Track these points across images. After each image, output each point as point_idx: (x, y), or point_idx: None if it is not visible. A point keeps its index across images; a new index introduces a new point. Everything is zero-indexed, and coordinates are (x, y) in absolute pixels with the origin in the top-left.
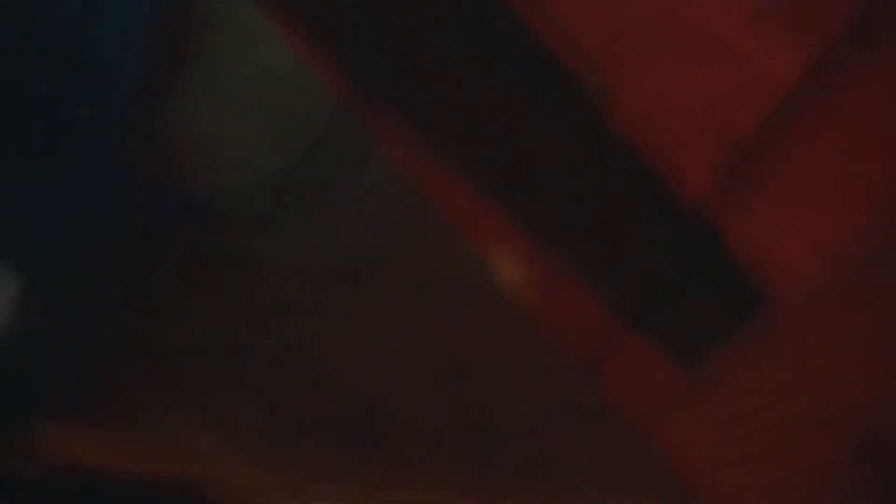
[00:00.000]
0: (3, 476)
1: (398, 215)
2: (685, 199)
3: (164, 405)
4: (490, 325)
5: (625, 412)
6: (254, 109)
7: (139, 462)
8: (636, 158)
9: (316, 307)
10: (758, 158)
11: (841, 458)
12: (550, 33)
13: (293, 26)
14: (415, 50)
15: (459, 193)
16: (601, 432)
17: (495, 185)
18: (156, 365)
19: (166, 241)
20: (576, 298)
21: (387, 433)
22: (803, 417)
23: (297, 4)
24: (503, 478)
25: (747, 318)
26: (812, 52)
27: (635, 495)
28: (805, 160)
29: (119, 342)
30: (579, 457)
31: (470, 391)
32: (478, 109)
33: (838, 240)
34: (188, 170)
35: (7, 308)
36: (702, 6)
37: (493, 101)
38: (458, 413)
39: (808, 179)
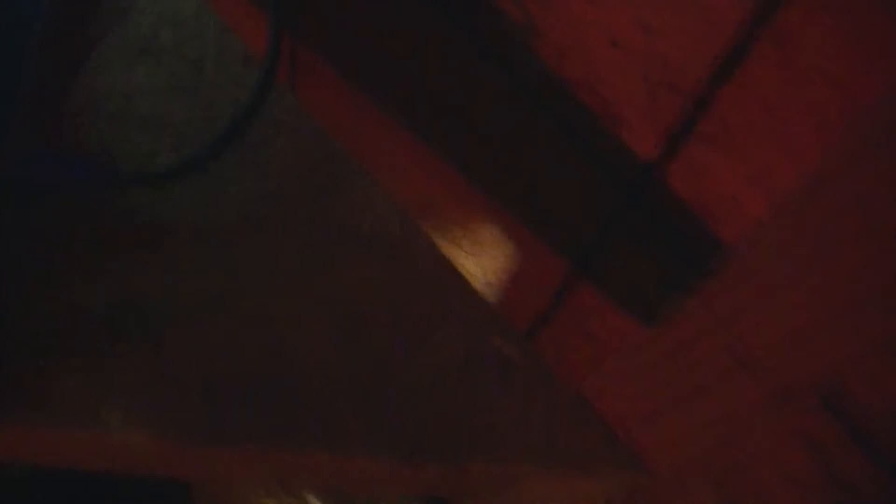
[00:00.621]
0: None
1: (303, 164)
2: (621, 138)
3: (56, 372)
4: (392, 275)
5: (555, 366)
6: (146, 56)
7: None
8: (567, 94)
9: (217, 262)
10: (699, 96)
11: (769, 406)
12: None
13: None
14: None
15: (380, 135)
16: (513, 390)
17: (419, 124)
18: (41, 331)
19: (50, 200)
20: (514, 247)
21: (292, 387)
22: (732, 368)
23: None
24: (407, 435)
25: (690, 265)
26: None
27: (542, 457)
28: (750, 98)
29: None
30: (488, 417)
31: (377, 344)
32: (399, 44)
33: (781, 175)
34: (76, 122)
35: None
36: None
37: (414, 34)
38: (365, 366)
39: (751, 117)
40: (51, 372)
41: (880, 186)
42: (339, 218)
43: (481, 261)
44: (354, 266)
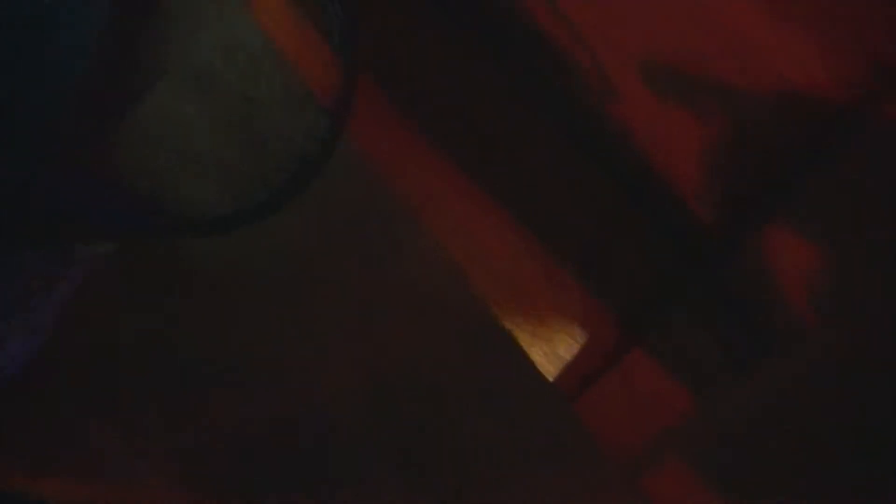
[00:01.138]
0: None
1: (362, 219)
2: (689, 206)
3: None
4: (449, 338)
5: (598, 428)
6: (201, 90)
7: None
8: (638, 160)
9: (259, 314)
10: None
11: None
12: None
13: (270, 1)
14: (395, 23)
15: (437, 183)
16: (561, 465)
17: (477, 171)
18: (76, 375)
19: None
20: (567, 305)
21: (331, 452)
22: None
23: None
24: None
25: (751, 343)
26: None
27: None
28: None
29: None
30: (533, 491)
31: (422, 410)
32: (462, 89)
33: None
34: (126, 159)
35: None
36: None
37: (478, 81)
38: (408, 433)
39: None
40: (85, 418)
41: None
42: (397, 279)
43: (535, 323)
44: (407, 329)
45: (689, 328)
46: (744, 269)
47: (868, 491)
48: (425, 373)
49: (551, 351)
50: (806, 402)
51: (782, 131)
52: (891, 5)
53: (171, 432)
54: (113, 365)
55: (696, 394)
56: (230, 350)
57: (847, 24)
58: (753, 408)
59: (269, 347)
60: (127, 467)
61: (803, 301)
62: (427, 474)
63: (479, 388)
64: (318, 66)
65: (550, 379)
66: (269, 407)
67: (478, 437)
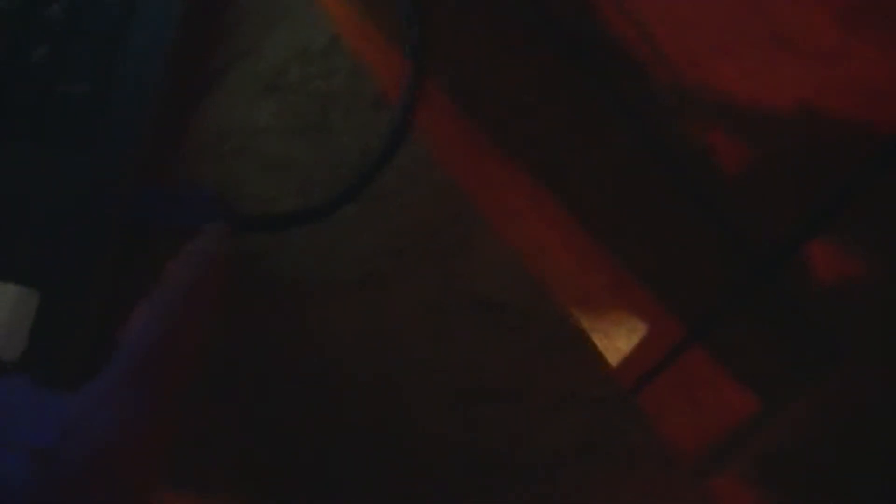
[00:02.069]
0: None
1: (429, 220)
2: (760, 214)
3: None
4: (518, 346)
5: (655, 425)
6: (272, 92)
7: None
8: (708, 162)
9: (332, 319)
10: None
11: None
12: (618, 21)
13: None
14: (469, 35)
15: (505, 188)
16: (636, 476)
17: (546, 176)
18: None
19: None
20: (630, 305)
21: (406, 453)
22: None
23: None
24: None
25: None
26: None
27: None
28: None
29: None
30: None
31: (497, 418)
32: (534, 103)
33: None
34: (198, 159)
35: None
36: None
37: (550, 95)
38: (476, 441)
39: None
40: None
41: None
42: (465, 282)
43: (595, 318)
44: (478, 334)
45: (754, 332)
46: (810, 277)
47: None
48: (502, 376)
49: (611, 344)
50: (871, 414)
51: (852, 144)
52: None
53: (243, 443)
54: None
55: (762, 398)
56: (299, 356)
57: None
58: (820, 416)
59: (341, 353)
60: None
61: (869, 308)
62: (509, 479)
63: (556, 391)
64: (385, 63)
65: (609, 372)
66: (348, 416)
67: (555, 450)
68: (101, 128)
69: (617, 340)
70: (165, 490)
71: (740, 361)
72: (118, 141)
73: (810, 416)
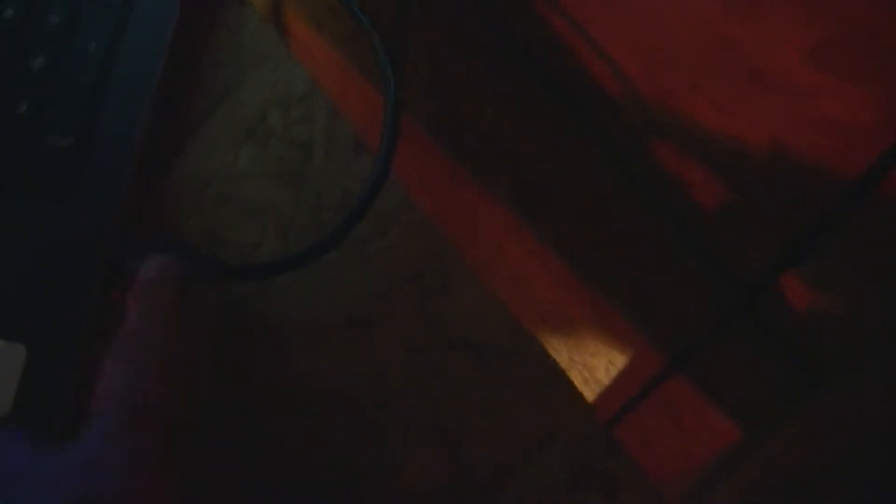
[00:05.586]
0: None
1: (410, 263)
2: (741, 245)
3: None
4: (501, 385)
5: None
6: (252, 138)
7: None
8: (686, 195)
9: (313, 364)
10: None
11: None
12: (592, 58)
13: (314, 46)
14: (446, 71)
15: (484, 221)
16: (615, 496)
17: (525, 210)
18: None
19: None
20: (611, 335)
21: (386, 497)
22: None
23: (321, 23)
24: None
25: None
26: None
27: None
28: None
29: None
30: None
31: (480, 459)
32: (511, 136)
33: None
34: (177, 207)
35: None
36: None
37: (528, 128)
38: (466, 481)
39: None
40: None
41: None
42: (446, 323)
43: (576, 349)
44: (460, 376)
45: (736, 361)
46: (790, 305)
47: None
48: (485, 416)
49: (591, 376)
50: (857, 439)
51: (824, 177)
52: None
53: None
54: None
55: (745, 426)
56: (281, 401)
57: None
58: (805, 444)
59: (323, 398)
60: None
61: (851, 336)
62: None
63: (538, 439)
64: (363, 108)
65: (590, 407)
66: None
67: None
68: (83, 180)
69: (597, 372)
70: None
71: (723, 390)
72: (101, 192)
73: (795, 444)
